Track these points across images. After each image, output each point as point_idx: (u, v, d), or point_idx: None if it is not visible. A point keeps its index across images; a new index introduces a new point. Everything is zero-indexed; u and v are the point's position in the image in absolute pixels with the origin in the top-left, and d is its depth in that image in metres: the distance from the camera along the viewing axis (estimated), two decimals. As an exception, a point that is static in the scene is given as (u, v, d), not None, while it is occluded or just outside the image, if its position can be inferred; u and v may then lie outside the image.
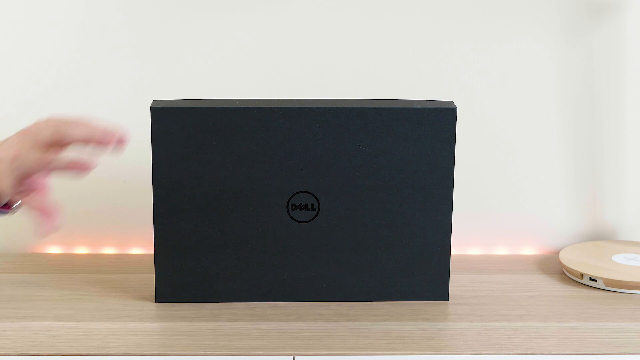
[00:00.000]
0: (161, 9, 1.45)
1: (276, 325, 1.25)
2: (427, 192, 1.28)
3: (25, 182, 1.09)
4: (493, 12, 1.47)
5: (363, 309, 1.30)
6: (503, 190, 1.53)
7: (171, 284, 1.30)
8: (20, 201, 1.09)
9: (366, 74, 1.48)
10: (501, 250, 1.54)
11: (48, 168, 1.08)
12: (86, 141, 1.08)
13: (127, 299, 1.32)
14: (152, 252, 1.31)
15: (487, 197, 1.53)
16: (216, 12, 1.46)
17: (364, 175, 1.27)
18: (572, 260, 1.42)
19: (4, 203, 1.09)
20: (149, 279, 1.35)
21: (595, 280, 1.37)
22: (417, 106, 1.27)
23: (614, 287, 1.36)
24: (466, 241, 1.52)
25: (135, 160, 1.46)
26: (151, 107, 1.25)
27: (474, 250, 1.53)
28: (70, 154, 1.09)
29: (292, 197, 1.28)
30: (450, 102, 1.28)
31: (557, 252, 1.51)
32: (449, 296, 1.32)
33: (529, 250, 1.54)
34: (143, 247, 1.51)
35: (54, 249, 1.51)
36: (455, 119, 1.26)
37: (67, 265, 1.45)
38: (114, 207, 1.51)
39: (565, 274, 1.43)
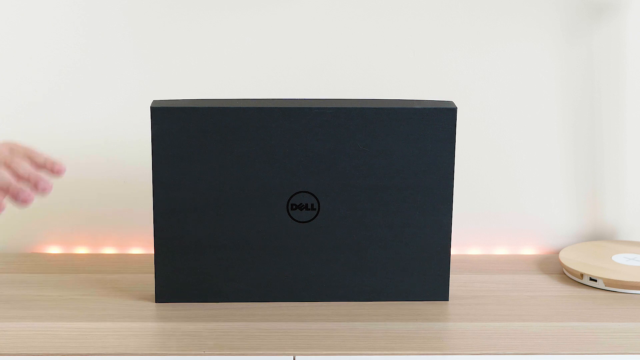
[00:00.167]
0: (161, 9, 1.45)
1: (276, 325, 1.25)
2: (427, 192, 1.28)
3: None
4: (493, 12, 1.47)
5: (363, 309, 1.30)
6: (503, 190, 1.52)
7: (171, 284, 1.30)
8: None
9: (366, 74, 1.48)
10: (501, 250, 1.53)
11: None
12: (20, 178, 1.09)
13: (127, 299, 1.32)
14: (152, 252, 1.31)
15: (487, 197, 1.52)
16: (216, 12, 1.46)
17: (364, 175, 1.27)
18: (572, 260, 1.42)
19: None
20: (149, 279, 1.35)
21: (595, 280, 1.37)
22: (417, 106, 1.27)
23: (614, 287, 1.36)
24: (466, 241, 1.52)
25: (135, 160, 1.46)
26: (151, 107, 1.25)
27: (474, 250, 1.53)
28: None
29: (292, 197, 1.28)
30: (450, 102, 1.28)
31: (557, 252, 1.51)
32: (449, 296, 1.32)
33: (529, 250, 1.54)
34: (143, 247, 1.51)
35: (54, 249, 1.51)
36: (455, 119, 1.26)
37: (67, 265, 1.45)
38: (114, 207, 1.50)
39: (565, 274, 1.43)
